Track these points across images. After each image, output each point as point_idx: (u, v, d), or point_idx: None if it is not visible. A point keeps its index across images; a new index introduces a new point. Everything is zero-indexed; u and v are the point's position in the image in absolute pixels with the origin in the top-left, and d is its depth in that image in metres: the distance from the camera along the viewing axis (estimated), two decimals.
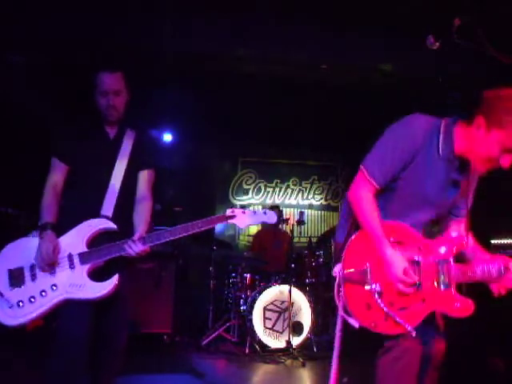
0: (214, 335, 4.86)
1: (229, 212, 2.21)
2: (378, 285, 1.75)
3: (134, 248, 2.09)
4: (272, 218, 2.23)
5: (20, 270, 2.08)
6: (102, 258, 2.11)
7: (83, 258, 2.10)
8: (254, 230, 6.92)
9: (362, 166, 1.87)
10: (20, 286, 2.05)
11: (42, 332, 5.10)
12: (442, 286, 1.77)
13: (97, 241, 2.16)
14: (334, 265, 1.85)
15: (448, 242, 1.82)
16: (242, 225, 2.21)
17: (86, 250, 2.12)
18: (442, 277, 1.77)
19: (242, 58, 5.31)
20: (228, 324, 5.03)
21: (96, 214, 2.21)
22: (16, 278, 2.07)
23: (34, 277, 2.07)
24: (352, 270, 1.79)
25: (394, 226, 1.83)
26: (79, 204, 2.24)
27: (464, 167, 1.82)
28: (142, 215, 2.30)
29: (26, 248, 2.11)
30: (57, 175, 2.29)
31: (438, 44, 1.91)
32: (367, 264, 1.78)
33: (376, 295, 1.73)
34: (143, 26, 4.72)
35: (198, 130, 6.35)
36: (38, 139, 5.57)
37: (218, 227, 6.93)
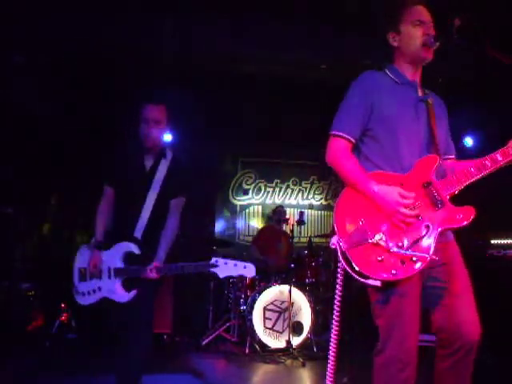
0: (214, 335, 4.86)
1: (213, 261, 2.47)
2: (380, 234, 1.75)
3: (150, 275, 2.58)
4: (251, 271, 2.44)
5: (84, 270, 2.79)
6: (129, 275, 2.67)
7: (117, 273, 2.69)
8: (254, 229, 6.94)
9: (330, 132, 1.97)
10: (85, 281, 2.78)
11: (42, 332, 5.11)
12: (438, 206, 1.78)
13: (129, 258, 2.69)
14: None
15: (424, 166, 1.85)
16: (222, 275, 2.45)
17: (120, 266, 2.69)
18: (434, 197, 1.79)
19: (242, 58, 5.31)
20: (228, 324, 5.03)
21: (130, 235, 2.70)
22: (82, 274, 2.80)
23: (91, 277, 2.76)
24: (349, 232, 1.78)
25: (373, 174, 1.87)
26: (120, 226, 2.79)
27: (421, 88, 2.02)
28: (164, 240, 2.70)
29: (87, 255, 2.80)
30: (107, 198, 2.84)
31: (437, 44, 1.91)
32: (362, 220, 1.79)
33: (384, 243, 1.73)
34: (143, 26, 4.72)
35: (198, 129, 6.34)
36: (38, 139, 5.58)
37: (218, 227, 6.94)
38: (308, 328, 4.68)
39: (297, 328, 4.65)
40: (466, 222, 1.74)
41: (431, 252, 1.72)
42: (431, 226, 1.76)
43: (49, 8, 4.38)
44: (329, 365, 1.91)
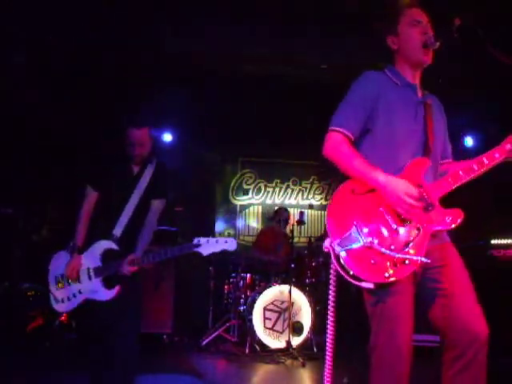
0: (214, 335, 4.86)
1: (195, 241, 2.53)
2: (373, 236, 1.75)
3: (125, 269, 2.63)
4: (232, 245, 2.54)
5: (62, 277, 2.84)
6: (110, 271, 2.71)
7: (97, 271, 2.75)
8: (254, 229, 6.94)
9: (329, 127, 1.95)
10: (62, 287, 2.84)
11: (42, 332, 5.11)
12: (428, 208, 1.79)
13: (108, 256, 2.74)
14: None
15: (414, 168, 1.85)
16: (206, 252, 2.51)
17: (99, 264, 2.74)
18: (424, 200, 1.80)
19: (242, 58, 5.31)
20: (228, 324, 5.04)
21: (108, 232, 2.75)
22: (59, 282, 2.86)
23: (69, 283, 2.81)
24: (342, 236, 1.77)
25: None
26: (99, 223, 2.86)
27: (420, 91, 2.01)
28: (143, 239, 2.75)
29: (65, 260, 2.83)
30: (89, 202, 2.89)
31: (438, 44, 1.91)
32: (354, 223, 1.77)
33: (377, 246, 1.72)
34: (143, 26, 4.72)
35: (197, 130, 6.34)
36: (38, 140, 5.58)
37: (218, 227, 6.94)
38: (308, 328, 4.68)
39: (297, 328, 4.65)
40: (454, 225, 1.77)
41: (423, 254, 1.72)
42: (422, 228, 1.77)
43: (49, 8, 4.38)
44: (326, 367, 1.91)
